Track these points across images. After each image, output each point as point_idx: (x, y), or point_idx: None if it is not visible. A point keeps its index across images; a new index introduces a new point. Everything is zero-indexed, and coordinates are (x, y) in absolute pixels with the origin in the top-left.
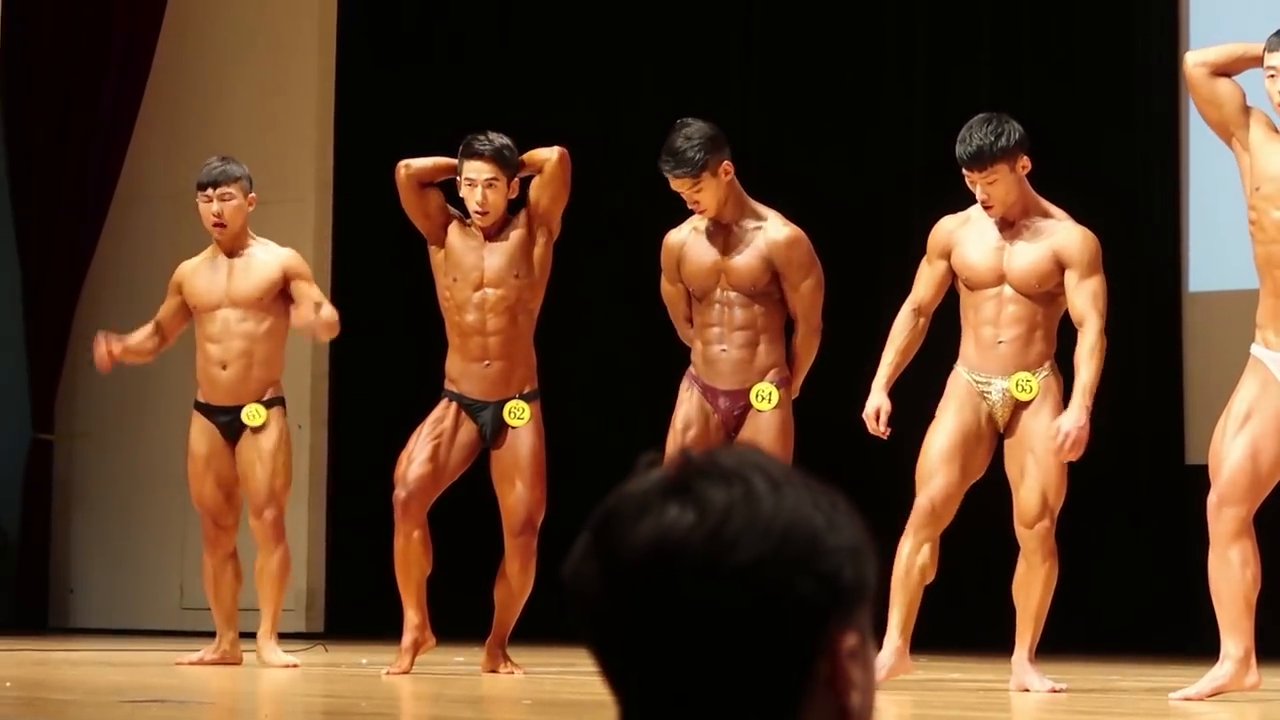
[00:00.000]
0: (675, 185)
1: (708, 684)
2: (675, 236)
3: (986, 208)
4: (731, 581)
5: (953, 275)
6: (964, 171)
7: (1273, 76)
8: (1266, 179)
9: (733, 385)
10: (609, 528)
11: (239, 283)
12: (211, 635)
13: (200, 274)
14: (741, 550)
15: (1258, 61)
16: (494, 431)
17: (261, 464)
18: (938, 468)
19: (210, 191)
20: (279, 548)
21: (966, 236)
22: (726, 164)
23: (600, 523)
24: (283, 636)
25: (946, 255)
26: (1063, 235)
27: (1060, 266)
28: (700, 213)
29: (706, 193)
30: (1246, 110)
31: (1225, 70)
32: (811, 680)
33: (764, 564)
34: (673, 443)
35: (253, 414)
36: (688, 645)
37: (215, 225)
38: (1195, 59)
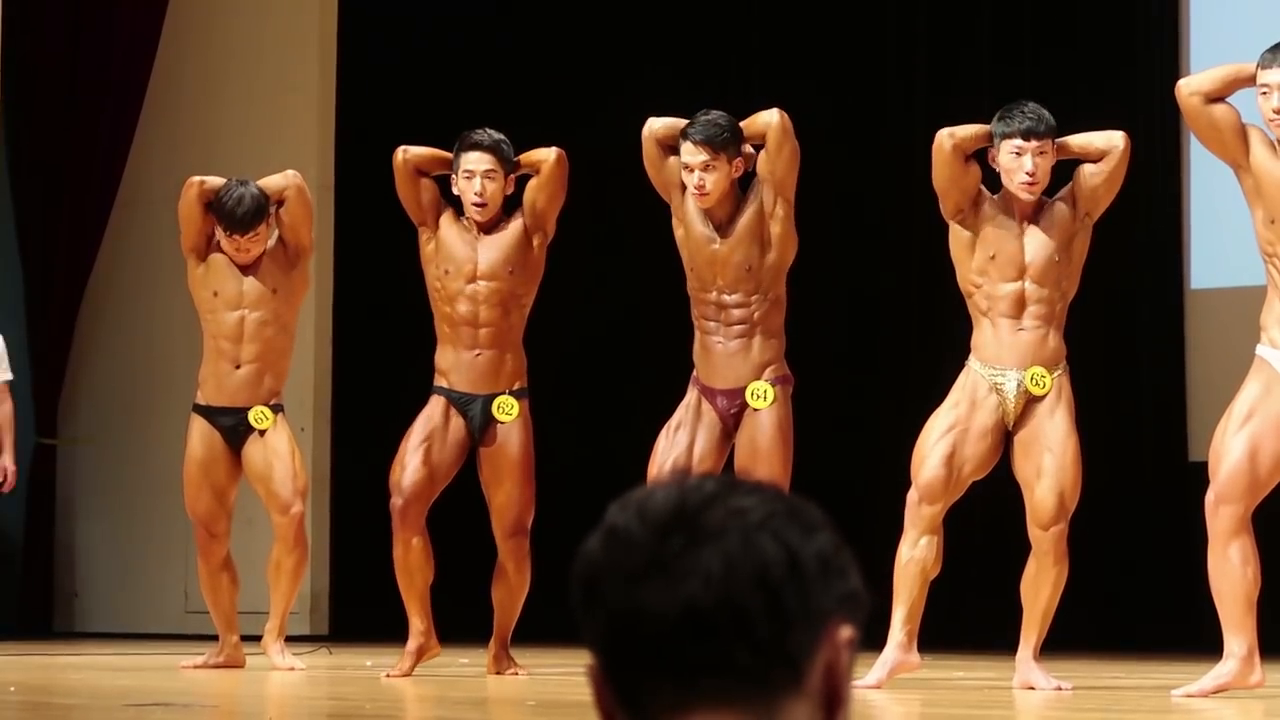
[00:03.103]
0: (692, 156)
1: (721, 642)
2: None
3: (1029, 185)
4: (754, 528)
5: (967, 238)
6: (1017, 143)
7: (1266, 94)
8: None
9: (729, 384)
10: (631, 496)
11: (255, 284)
12: (216, 639)
13: (223, 268)
14: (763, 509)
15: (1250, 81)
16: (482, 426)
17: (281, 463)
18: (930, 460)
19: (238, 239)
20: (299, 546)
21: (992, 212)
22: (739, 160)
23: (622, 498)
24: (288, 639)
25: (978, 179)
26: (1063, 191)
27: (1076, 202)
28: (701, 195)
29: (717, 175)
30: (1244, 132)
31: (1219, 95)
32: (812, 659)
33: (785, 523)
34: (663, 439)
35: (260, 416)
36: (707, 594)
37: (239, 256)
38: (1189, 89)
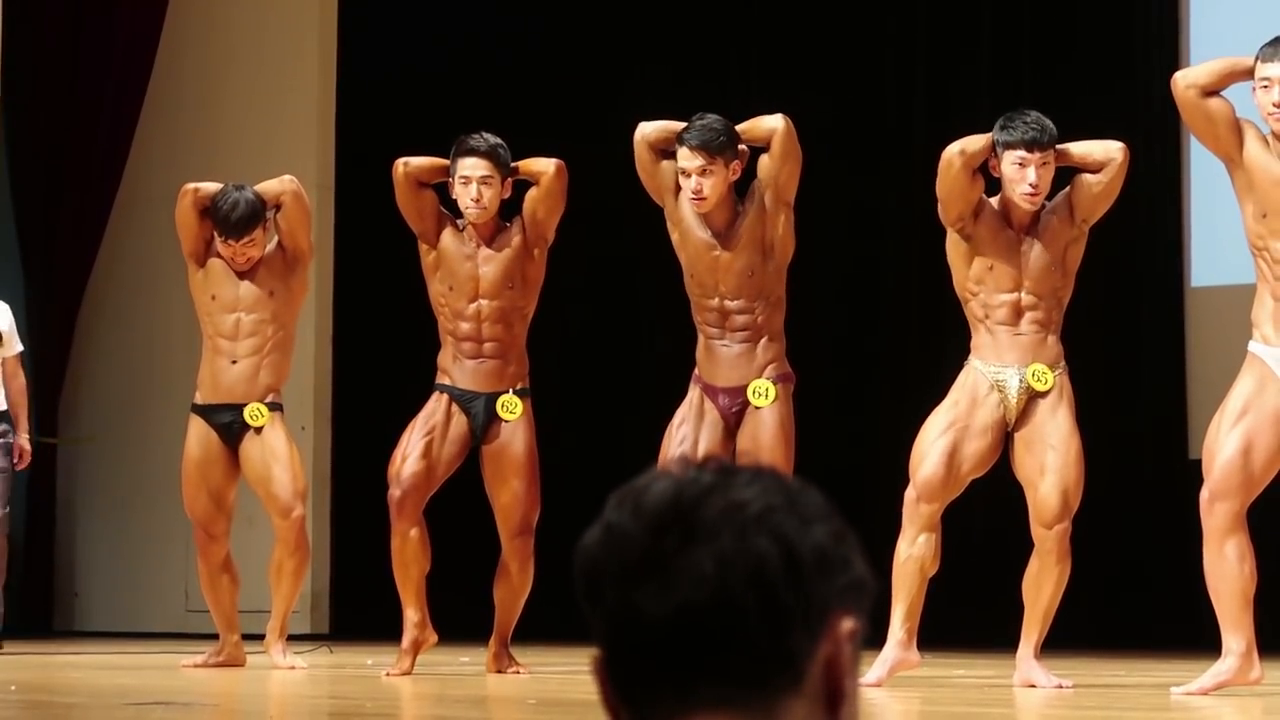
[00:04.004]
0: (689, 161)
1: (717, 638)
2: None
3: (1031, 196)
4: (750, 524)
5: (968, 242)
6: (1020, 154)
7: (1266, 88)
8: (1273, 208)
9: (731, 382)
10: (629, 490)
11: (252, 287)
12: (216, 637)
13: (221, 272)
14: (760, 502)
15: (1248, 75)
16: (485, 424)
17: (279, 464)
18: (929, 457)
19: (234, 243)
20: (301, 549)
21: (991, 221)
22: (737, 163)
23: (620, 490)
24: (288, 638)
25: (982, 191)
26: (1059, 199)
27: (1073, 210)
28: (699, 200)
29: (715, 179)
30: (1238, 126)
31: (1215, 88)
32: (812, 657)
33: (783, 515)
34: (667, 438)
35: (255, 413)
36: (703, 590)
37: (236, 260)
38: (1185, 81)
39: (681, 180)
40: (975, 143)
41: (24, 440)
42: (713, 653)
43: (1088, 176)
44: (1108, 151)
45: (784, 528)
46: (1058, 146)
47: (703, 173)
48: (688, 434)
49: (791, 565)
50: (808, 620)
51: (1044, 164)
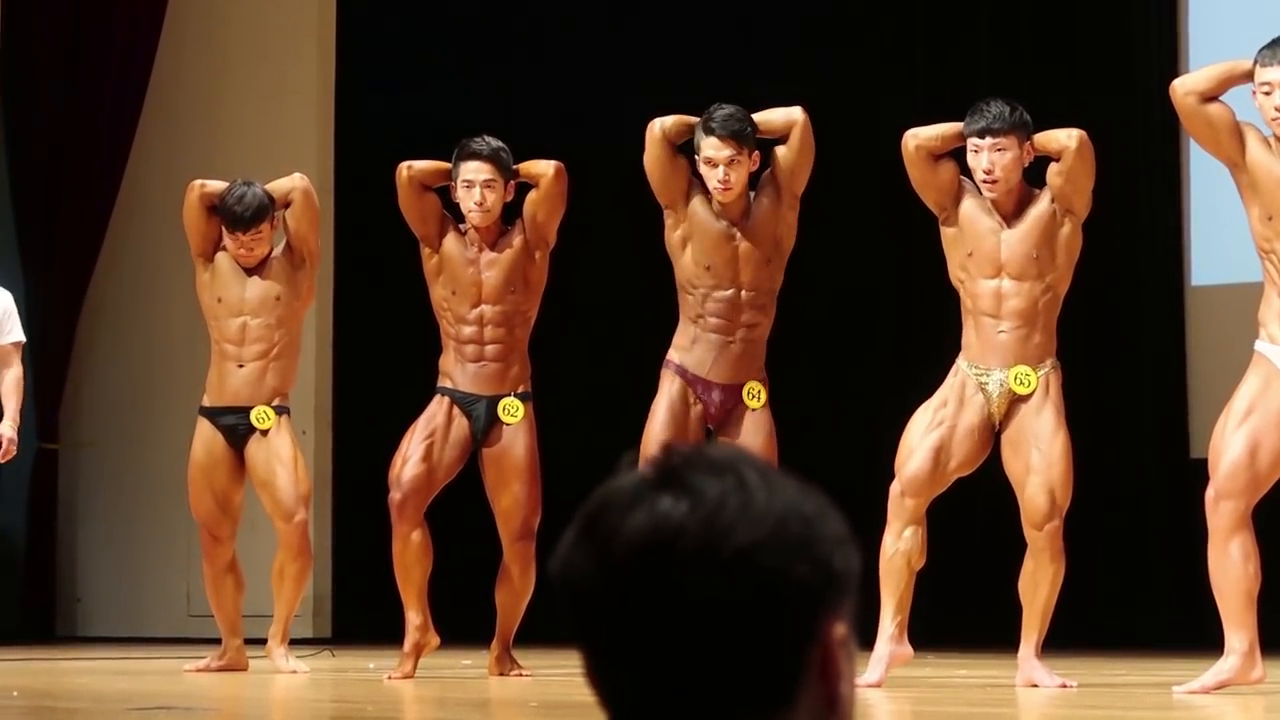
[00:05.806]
0: (717, 150)
1: (704, 675)
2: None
3: (985, 182)
4: (729, 566)
5: (952, 228)
6: (974, 140)
7: (1268, 92)
8: (1279, 210)
9: (727, 379)
10: (600, 520)
11: (258, 289)
12: (218, 642)
13: (228, 274)
14: (737, 535)
15: (1247, 78)
16: (486, 427)
17: (284, 468)
18: (917, 453)
19: (241, 236)
20: (304, 553)
21: (973, 209)
22: (757, 154)
23: (590, 516)
24: (290, 642)
25: (954, 177)
26: (1044, 191)
27: (1053, 200)
28: (724, 191)
29: (740, 169)
30: (1239, 130)
31: (1215, 94)
32: (805, 669)
33: (760, 548)
34: (649, 432)
35: (262, 416)
36: (684, 635)
37: (243, 256)
38: (1184, 88)
39: (706, 170)
40: (929, 128)
41: (8, 428)
42: (699, 688)
43: (1052, 164)
44: (1064, 138)
45: (765, 564)
46: (1034, 136)
47: (730, 162)
48: (675, 428)
49: (776, 599)
50: (797, 644)
51: (998, 149)
